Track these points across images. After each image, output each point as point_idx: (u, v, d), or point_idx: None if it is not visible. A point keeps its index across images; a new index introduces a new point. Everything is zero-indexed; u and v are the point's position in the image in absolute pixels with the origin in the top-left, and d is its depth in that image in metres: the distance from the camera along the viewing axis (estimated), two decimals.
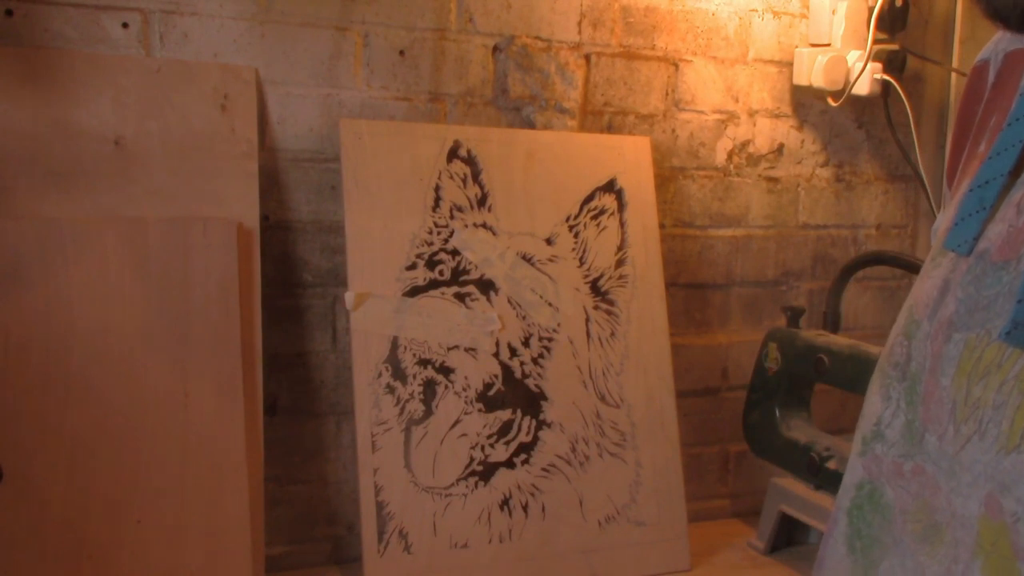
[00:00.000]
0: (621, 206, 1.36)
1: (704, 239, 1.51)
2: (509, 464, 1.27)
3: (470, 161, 1.29)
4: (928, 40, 1.58)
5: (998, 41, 0.57)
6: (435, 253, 1.26)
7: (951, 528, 0.48)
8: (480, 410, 1.26)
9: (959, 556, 0.47)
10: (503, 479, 1.26)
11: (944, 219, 0.57)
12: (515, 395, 1.28)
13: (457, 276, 1.27)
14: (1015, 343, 0.46)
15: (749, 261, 1.54)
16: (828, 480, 1.32)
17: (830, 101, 1.50)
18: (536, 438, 1.28)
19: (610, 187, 1.36)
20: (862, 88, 1.45)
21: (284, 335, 1.28)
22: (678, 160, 1.47)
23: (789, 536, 1.44)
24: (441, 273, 1.26)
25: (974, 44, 1.57)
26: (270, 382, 1.27)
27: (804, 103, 1.53)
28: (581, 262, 1.33)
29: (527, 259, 1.30)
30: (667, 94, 1.45)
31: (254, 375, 1.18)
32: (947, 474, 0.48)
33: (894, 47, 1.48)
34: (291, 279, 1.29)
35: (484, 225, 1.29)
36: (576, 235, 1.33)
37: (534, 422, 1.28)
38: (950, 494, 0.48)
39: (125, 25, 1.17)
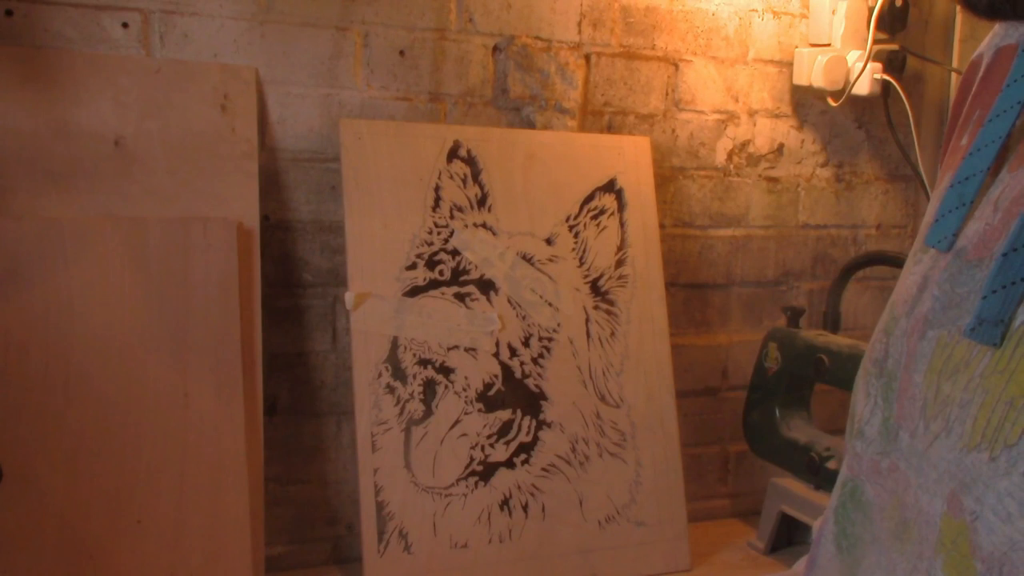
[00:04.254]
0: (621, 206, 1.36)
1: (704, 239, 1.51)
2: (509, 464, 1.27)
3: (470, 161, 1.29)
4: (928, 40, 1.58)
5: (993, 36, 0.57)
6: (435, 253, 1.26)
7: (918, 525, 0.48)
8: (480, 410, 1.26)
9: (923, 553, 0.47)
10: (503, 479, 1.26)
11: (928, 214, 0.57)
12: (515, 395, 1.28)
13: (457, 276, 1.27)
14: (979, 339, 0.46)
15: (749, 261, 1.54)
16: (828, 480, 1.32)
17: (830, 101, 1.50)
18: (536, 438, 1.28)
19: (610, 187, 1.36)
20: (862, 88, 1.45)
21: (284, 335, 1.28)
22: (678, 160, 1.47)
23: (789, 536, 1.44)
24: (441, 273, 1.26)
25: (974, 44, 1.57)
26: (270, 382, 1.27)
27: (804, 103, 1.53)
28: (581, 262, 1.33)
29: (527, 259, 1.30)
30: (667, 94, 1.45)
31: (254, 375, 1.19)
32: (916, 471, 0.48)
33: (894, 47, 1.48)
34: (291, 279, 1.29)
35: (484, 225, 1.29)
36: (576, 235, 1.33)
37: (534, 422, 1.28)
38: (918, 491, 0.48)
39: (125, 25, 1.17)
